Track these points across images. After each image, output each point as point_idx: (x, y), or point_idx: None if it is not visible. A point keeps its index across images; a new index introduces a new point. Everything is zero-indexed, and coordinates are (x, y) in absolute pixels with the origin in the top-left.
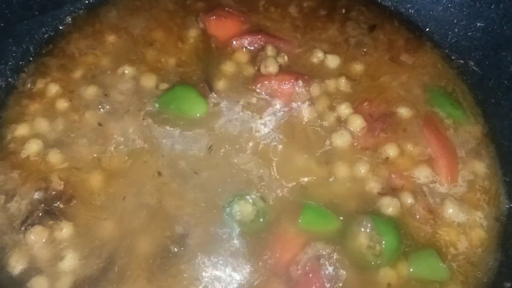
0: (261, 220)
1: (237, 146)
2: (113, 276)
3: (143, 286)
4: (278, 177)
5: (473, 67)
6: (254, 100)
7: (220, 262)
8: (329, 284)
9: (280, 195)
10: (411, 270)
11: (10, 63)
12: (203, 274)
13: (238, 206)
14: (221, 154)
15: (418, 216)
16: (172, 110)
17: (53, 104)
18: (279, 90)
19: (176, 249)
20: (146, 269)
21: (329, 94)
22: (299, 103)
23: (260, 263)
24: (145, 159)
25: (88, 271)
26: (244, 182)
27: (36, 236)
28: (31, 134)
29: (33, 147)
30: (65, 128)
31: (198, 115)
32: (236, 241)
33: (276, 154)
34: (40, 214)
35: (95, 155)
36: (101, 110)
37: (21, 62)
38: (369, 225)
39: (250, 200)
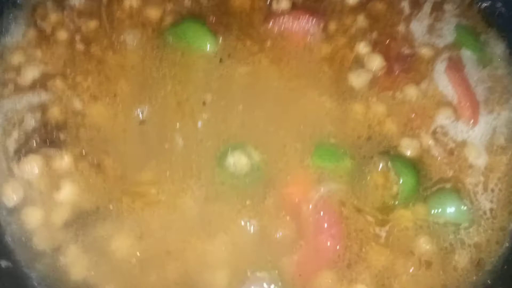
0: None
1: (244, 87)
2: (110, 211)
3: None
4: (290, 116)
5: (501, 9)
6: (265, 37)
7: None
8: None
9: (293, 134)
10: (432, 212)
11: None
12: (210, 211)
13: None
14: (228, 95)
15: (438, 158)
16: (181, 45)
17: (53, 34)
18: (292, 27)
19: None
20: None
21: (346, 32)
22: (314, 41)
23: (270, 201)
24: (150, 91)
25: (86, 204)
26: (255, 123)
27: (32, 165)
28: (29, 62)
29: (30, 75)
30: (67, 59)
31: (207, 51)
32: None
33: (288, 94)
34: (37, 142)
35: (96, 85)
36: (105, 42)
37: None
38: (386, 165)
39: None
